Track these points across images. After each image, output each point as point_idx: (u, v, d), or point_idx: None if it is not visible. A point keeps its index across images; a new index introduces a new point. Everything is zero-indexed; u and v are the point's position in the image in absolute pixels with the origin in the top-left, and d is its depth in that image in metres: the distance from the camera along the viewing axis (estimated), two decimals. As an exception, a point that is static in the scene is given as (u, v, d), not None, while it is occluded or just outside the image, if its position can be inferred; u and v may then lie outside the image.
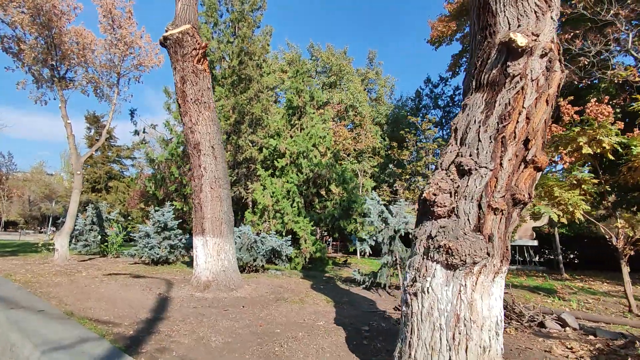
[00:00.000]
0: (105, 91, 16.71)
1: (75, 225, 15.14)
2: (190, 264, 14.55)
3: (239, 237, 11.45)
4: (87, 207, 18.57)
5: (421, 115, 26.45)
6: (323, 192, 16.17)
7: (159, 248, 13.38)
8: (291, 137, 17.36)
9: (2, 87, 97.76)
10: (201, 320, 5.39)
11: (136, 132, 18.54)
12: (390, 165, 29.35)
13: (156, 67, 16.65)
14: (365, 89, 31.37)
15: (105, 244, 16.99)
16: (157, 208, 14.36)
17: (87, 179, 31.26)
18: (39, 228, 51.28)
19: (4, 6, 13.48)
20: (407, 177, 20.49)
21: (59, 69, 15.00)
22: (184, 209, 20.40)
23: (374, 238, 8.15)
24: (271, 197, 15.05)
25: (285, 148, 16.54)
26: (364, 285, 8.70)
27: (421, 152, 20.10)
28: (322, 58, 29.51)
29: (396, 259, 8.10)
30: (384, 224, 8.10)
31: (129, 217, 29.16)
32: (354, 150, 23.23)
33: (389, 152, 23.58)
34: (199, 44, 7.70)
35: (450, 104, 27.95)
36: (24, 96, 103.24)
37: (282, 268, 11.41)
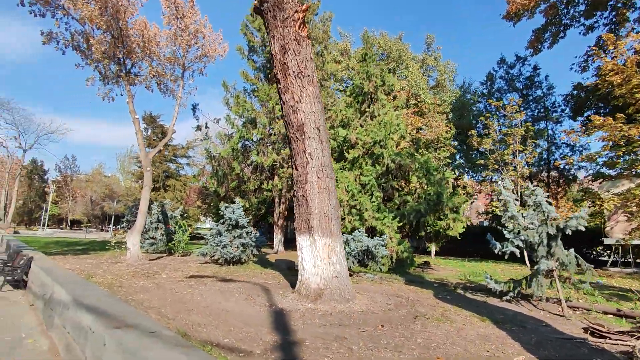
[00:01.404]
0: (170, 86, 16.20)
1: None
2: (262, 263, 13.60)
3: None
4: (151, 206, 18.30)
5: (495, 99, 23.84)
6: (401, 185, 14.59)
7: (231, 247, 12.49)
8: (361, 126, 15.90)
9: (58, 96, 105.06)
10: (349, 348, 4.05)
11: (198, 128, 17.97)
12: (457, 157, 27.07)
13: (220, 57, 15.89)
14: (423, 76, 29.19)
15: (172, 242, 16.53)
16: (226, 205, 13.50)
17: (146, 177, 31.81)
18: (100, 226, 54.07)
19: (74, 0, 13.18)
20: (494, 166, 18.23)
21: (125, 63, 14.60)
22: (246, 205, 19.63)
23: (521, 237, 6.45)
24: (346, 191, 13.71)
25: (357, 138, 15.11)
26: (507, 297, 6.92)
27: (507, 139, 17.82)
28: (378, 44, 27.71)
29: (551, 267, 6.34)
30: (535, 221, 6.38)
31: (185, 215, 29.24)
32: (423, 140, 21.34)
33: (467, 140, 21.39)
34: (300, 6, 6.45)
35: (530, 86, 24.94)
36: (79, 104, 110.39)
37: (374, 271, 10.02)
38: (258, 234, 13.62)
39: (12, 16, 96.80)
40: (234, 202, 13.94)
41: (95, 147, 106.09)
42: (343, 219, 13.86)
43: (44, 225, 44.67)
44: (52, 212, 48.12)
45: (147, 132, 33.15)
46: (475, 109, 27.91)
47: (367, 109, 16.08)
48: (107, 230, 49.17)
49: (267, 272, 10.48)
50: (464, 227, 13.08)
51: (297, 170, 6.64)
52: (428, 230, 13.51)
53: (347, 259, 9.77)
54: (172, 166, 33.70)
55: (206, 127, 18.17)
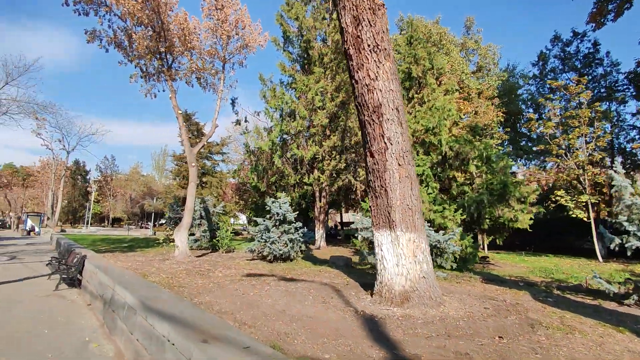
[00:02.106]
0: (210, 80, 15.87)
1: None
2: (311, 260, 13.02)
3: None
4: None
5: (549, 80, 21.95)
6: (456, 175, 13.54)
7: (280, 243, 11.96)
8: (409, 113, 14.94)
9: (94, 100, 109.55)
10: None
11: (237, 122, 17.59)
12: (505, 144, 25.39)
13: (260, 47, 15.34)
14: (464, 60, 27.56)
15: (216, 238, 16.29)
16: (272, 199, 12.99)
17: (183, 175, 32.27)
18: (139, 223, 55.83)
19: (116, -5, 13.00)
20: (558, 152, 16.63)
21: (167, 58, 14.35)
22: (294, 198, 19.15)
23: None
24: (398, 182, 12.84)
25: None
26: (629, 300, 5.79)
27: (571, 122, 16.14)
28: (418, 27, 26.34)
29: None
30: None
31: (224, 212, 29.32)
32: (471, 127, 19.98)
33: (524, 125, 19.78)
34: (372, -31, 5.66)
35: (589, 64, 22.67)
36: (113, 107, 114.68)
37: (445, 270, 9.13)
38: (305, 229, 13.04)
39: (55, 26, 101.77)
40: (275, 197, 13.48)
41: (129, 147, 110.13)
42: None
43: (87, 223, 46.54)
44: (94, 210, 50.08)
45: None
46: (525, 92, 25.99)
47: (416, 95, 15.09)
48: (147, 227, 50.65)
49: (324, 270, 9.83)
50: (531, 219, 11.90)
51: (373, 157, 5.87)
52: (489, 223, 12.42)
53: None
54: (208, 163, 33.93)
55: (245, 121, 17.77)
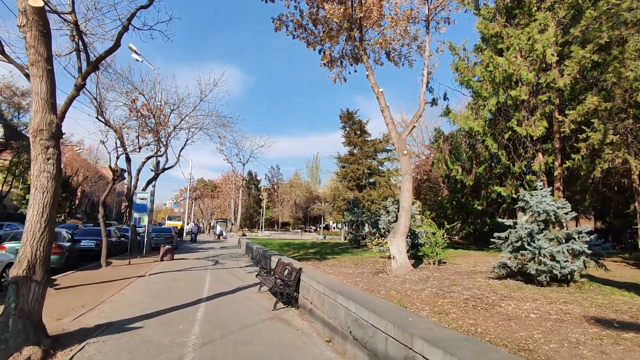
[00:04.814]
0: (403, 51, 12.96)
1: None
2: (602, 282, 8.34)
3: None
4: (385, 203, 15.49)
5: None
6: None
7: (561, 256, 7.74)
8: None
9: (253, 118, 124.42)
10: None
11: (433, 102, 14.12)
12: None
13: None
14: None
15: (420, 246, 13.09)
16: (529, 192, 8.90)
17: (351, 176, 30.95)
18: (302, 227, 58.89)
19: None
20: None
21: (362, 32, 12.09)
22: (503, 194, 14.61)
23: None
24: None
25: None
26: None
27: None
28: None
29: None
30: None
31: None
32: None
33: None
34: None
35: None
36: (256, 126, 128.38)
37: None
38: (592, 236, 8.43)
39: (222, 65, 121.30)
40: (489, 192, 9.36)
41: (283, 159, 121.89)
42: None
43: (261, 228, 51.09)
44: (266, 216, 54.88)
45: (345, 130, 32.31)
46: None
47: None
48: (310, 231, 52.67)
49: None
50: None
51: None
52: None
53: None
54: (374, 162, 31.79)
55: (445, 98, 14.14)
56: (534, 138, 13.27)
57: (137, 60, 19.09)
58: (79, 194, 51.23)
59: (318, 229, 49.61)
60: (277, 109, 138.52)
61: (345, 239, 29.24)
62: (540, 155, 14.24)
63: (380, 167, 32.29)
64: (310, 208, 47.13)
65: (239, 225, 47.17)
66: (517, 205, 9.85)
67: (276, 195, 54.32)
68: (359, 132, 32.06)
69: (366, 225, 20.67)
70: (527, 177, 14.47)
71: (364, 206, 24.57)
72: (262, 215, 50.69)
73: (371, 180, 30.67)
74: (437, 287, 7.81)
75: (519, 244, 8.36)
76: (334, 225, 56.21)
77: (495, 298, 6.43)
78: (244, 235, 39.62)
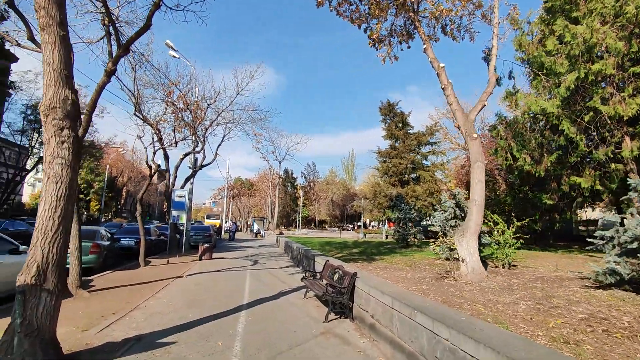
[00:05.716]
0: (464, 22, 11.31)
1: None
2: None
3: None
4: (441, 198, 13.83)
5: None
6: None
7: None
8: None
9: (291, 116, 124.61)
10: None
11: (497, 81, 12.28)
12: None
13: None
14: None
15: (489, 247, 11.37)
16: (637, 181, 7.05)
17: (393, 171, 29.19)
18: (340, 225, 57.61)
19: None
20: None
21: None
22: (584, 185, 12.55)
23: None
24: None
25: None
26: None
27: None
28: None
29: None
30: None
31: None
32: None
33: None
34: None
35: None
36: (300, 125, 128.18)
37: None
38: None
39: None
40: (561, 184, 7.44)
41: (318, 157, 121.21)
42: None
43: (298, 226, 50.40)
44: (303, 214, 54.15)
45: (385, 123, 30.57)
46: None
47: None
48: (348, 229, 51.27)
49: None
50: None
51: None
52: None
53: None
54: (417, 156, 29.79)
55: (510, 77, 12.25)
56: (624, 119, 11.13)
57: (174, 56, 18.62)
58: (124, 193, 53.15)
59: (357, 227, 48.13)
60: (313, 107, 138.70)
61: (386, 238, 27.64)
62: (627, 139, 12.02)
63: (424, 161, 30.24)
64: (348, 205, 45.66)
65: (276, 224, 46.73)
66: (625, 197, 7.97)
67: (312, 193, 53.43)
68: (400, 125, 30.16)
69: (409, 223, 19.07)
70: (612, 165, 12.28)
71: (407, 203, 22.85)
72: (299, 213, 49.98)
73: (415, 175, 28.77)
74: (529, 298, 6.26)
75: (635, 245, 6.57)
76: (372, 223, 54.40)
77: (629, 319, 4.79)
78: (281, 233, 39.01)
